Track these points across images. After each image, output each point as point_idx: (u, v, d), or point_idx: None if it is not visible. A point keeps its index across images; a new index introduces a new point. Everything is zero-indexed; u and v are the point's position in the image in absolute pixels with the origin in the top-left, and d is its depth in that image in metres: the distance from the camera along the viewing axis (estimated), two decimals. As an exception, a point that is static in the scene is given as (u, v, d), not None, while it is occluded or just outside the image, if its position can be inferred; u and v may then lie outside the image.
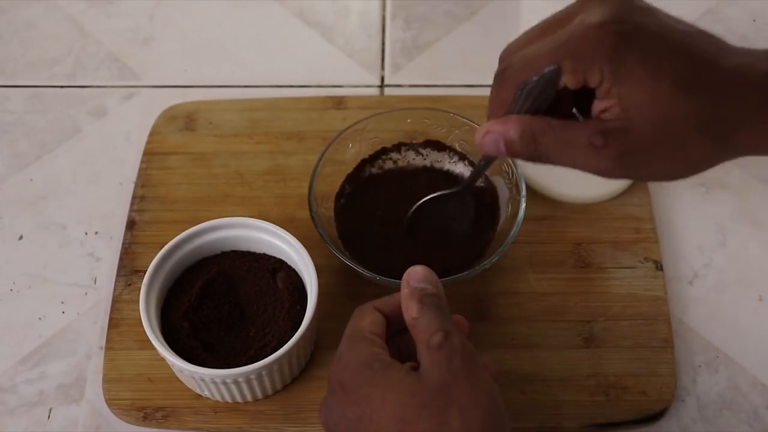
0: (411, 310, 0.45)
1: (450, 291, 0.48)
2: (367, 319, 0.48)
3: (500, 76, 0.45)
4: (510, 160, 0.58)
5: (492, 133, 0.45)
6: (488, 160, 0.51)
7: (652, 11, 0.43)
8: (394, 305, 0.48)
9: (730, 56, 0.42)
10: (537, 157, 0.44)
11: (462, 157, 0.63)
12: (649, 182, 0.65)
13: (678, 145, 0.42)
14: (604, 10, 0.42)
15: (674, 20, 0.43)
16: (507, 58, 0.45)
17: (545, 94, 0.43)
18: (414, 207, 0.59)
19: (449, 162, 0.63)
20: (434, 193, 0.59)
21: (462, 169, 0.63)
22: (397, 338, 0.49)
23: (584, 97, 0.43)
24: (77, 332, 0.60)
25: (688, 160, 0.43)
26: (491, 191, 0.61)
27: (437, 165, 0.63)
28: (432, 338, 0.44)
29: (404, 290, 0.47)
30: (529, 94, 0.43)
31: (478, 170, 0.53)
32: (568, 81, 0.42)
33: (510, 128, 0.44)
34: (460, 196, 0.58)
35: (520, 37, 0.46)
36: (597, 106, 0.42)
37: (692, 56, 0.41)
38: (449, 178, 0.63)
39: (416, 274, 0.47)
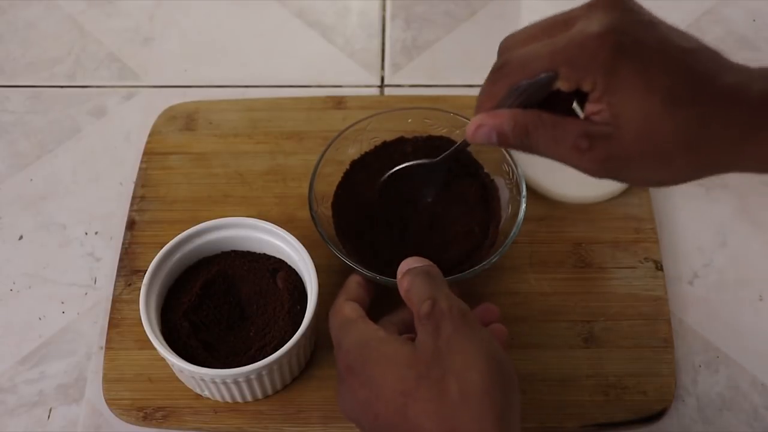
0: (403, 284, 0.47)
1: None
2: (346, 308, 0.50)
3: (497, 73, 0.45)
4: (510, 160, 0.58)
5: (485, 126, 0.45)
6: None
7: (654, 25, 0.43)
8: (357, 288, 0.52)
9: (727, 74, 0.42)
10: (527, 149, 0.45)
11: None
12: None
13: (662, 158, 0.42)
14: (605, 20, 0.42)
15: (677, 35, 0.43)
16: (505, 53, 0.46)
17: (538, 94, 0.44)
18: (388, 174, 0.59)
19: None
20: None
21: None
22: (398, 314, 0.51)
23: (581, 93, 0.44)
24: (77, 332, 0.60)
25: (671, 173, 0.44)
26: (492, 191, 0.61)
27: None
28: (421, 308, 0.44)
29: (398, 277, 0.48)
30: (522, 93, 0.44)
31: (459, 147, 0.54)
32: (562, 85, 0.43)
33: (503, 122, 0.45)
34: (435, 168, 0.58)
35: (521, 31, 0.46)
36: (589, 107, 0.43)
37: (688, 73, 0.41)
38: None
39: (407, 263, 0.49)
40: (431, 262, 0.49)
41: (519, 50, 0.45)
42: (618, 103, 0.41)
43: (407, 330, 0.48)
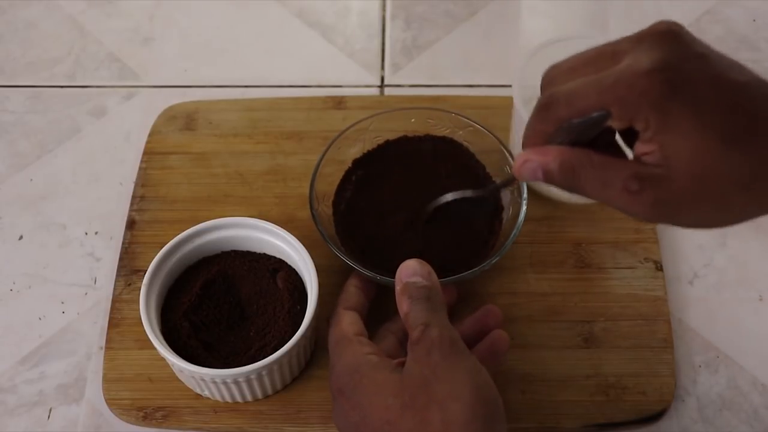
0: (403, 306, 0.47)
1: (450, 291, 0.48)
2: (344, 321, 0.51)
3: (543, 111, 0.43)
4: (512, 162, 0.58)
5: (531, 162, 0.44)
6: None
7: (707, 58, 0.41)
8: (356, 294, 0.53)
9: None
10: (574, 189, 0.43)
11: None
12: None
13: (717, 201, 0.40)
14: (655, 56, 0.40)
15: (729, 66, 0.41)
16: (549, 86, 0.44)
17: (588, 131, 0.42)
18: (435, 204, 0.58)
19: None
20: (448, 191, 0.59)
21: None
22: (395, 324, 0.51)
23: (630, 130, 0.42)
24: (77, 332, 0.60)
25: (725, 215, 0.42)
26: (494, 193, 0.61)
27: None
28: (413, 333, 0.44)
29: (397, 287, 0.48)
30: (572, 130, 0.42)
31: (507, 182, 0.54)
32: (614, 124, 0.41)
33: (550, 160, 0.43)
34: (481, 199, 0.57)
35: (565, 62, 0.44)
36: (639, 148, 0.41)
37: (742, 110, 0.40)
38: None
39: (407, 269, 0.48)
40: (431, 268, 0.48)
41: (565, 85, 0.43)
42: (670, 144, 0.39)
43: (406, 338, 0.48)
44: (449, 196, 0.57)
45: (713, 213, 0.41)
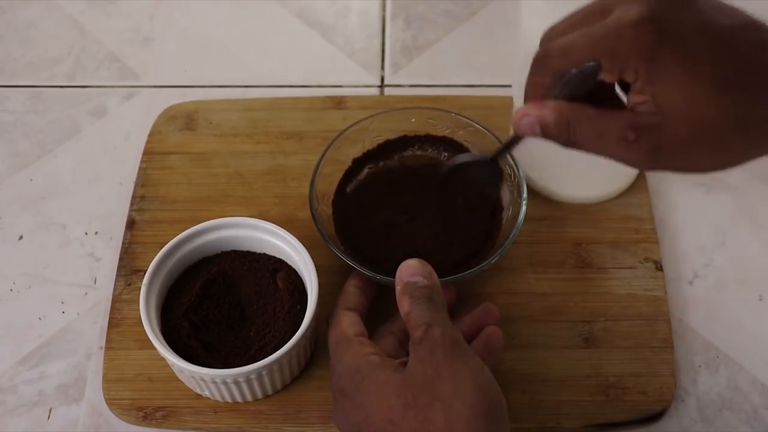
0: (404, 306, 0.47)
1: (450, 291, 0.48)
2: (344, 321, 0.51)
3: (539, 63, 0.44)
4: (512, 162, 0.58)
5: (529, 117, 0.44)
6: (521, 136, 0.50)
7: (693, 5, 0.41)
8: (356, 294, 0.52)
9: None
10: (570, 143, 0.44)
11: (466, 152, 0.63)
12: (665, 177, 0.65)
13: (712, 144, 0.41)
14: (642, 7, 0.41)
15: (717, 11, 0.42)
16: (546, 43, 0.45)
17: (584, 84, 0.43)
18: (444, 170, 0.56)
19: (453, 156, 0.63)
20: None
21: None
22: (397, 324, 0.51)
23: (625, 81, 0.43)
24: (77, 332, 0.60)
25: (720, 158, 0.42)
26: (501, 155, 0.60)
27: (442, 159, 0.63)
28: (415, 333, 0.44)
29: (397, 287, 0.47)
30: (568, 82, 0.43)
31: (511, 142, 0.52)
32: (605, 76, 0.42)
33: (547, 113, 0.44)
34: (489, 165, 0.56)
35: (562, 21, 0.45)
36: (632, 98, 0.42)
37: (732, 54, 0.40)
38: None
39: (408, 268, 0.48)
40: (431, 268, 0.49)
41: (559, 40, 0.43)
42: (662, 93, 0.40)
43: (407, 339, 0.48)
44: (461, 158, 0.56)
45: (709, 157, 0.42)
